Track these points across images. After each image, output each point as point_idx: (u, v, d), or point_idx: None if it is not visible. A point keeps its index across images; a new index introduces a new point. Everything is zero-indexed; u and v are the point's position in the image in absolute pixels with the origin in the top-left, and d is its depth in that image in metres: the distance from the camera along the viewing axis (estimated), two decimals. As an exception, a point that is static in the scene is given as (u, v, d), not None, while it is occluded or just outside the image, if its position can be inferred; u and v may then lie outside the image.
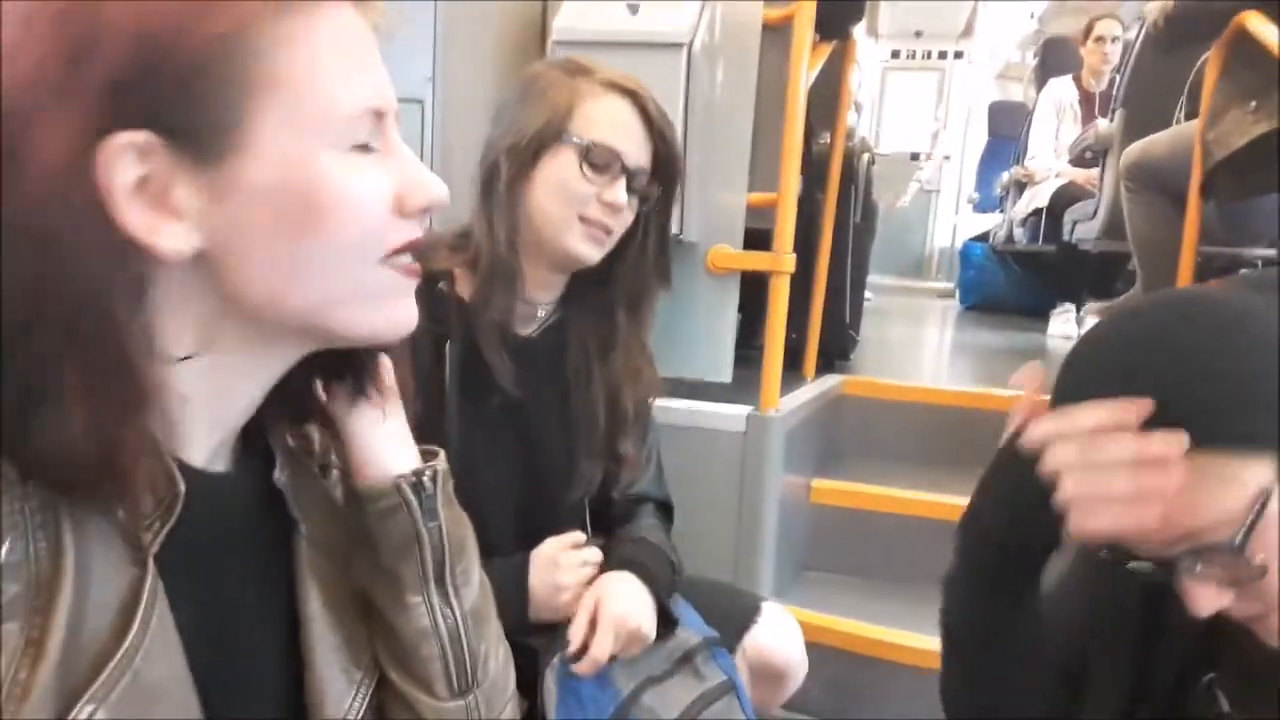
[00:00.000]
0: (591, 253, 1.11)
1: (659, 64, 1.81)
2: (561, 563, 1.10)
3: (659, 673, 1.09)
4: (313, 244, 0.53)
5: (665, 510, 1.31)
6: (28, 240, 0.46)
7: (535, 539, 1.18)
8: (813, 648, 1.35)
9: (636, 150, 1.10)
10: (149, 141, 0.48)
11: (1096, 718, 0.82)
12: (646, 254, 1.16)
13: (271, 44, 0.50)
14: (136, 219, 0.48)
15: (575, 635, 1.05)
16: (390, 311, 0.58)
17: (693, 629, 1.15)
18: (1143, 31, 3.34)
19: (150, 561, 0.51)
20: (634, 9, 1.85)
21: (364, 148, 0.54)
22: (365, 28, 0.55)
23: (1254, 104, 2.12)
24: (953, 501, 2.09)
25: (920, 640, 1.79)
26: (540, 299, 1.15)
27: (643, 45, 1.81)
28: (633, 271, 1.15)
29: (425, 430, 1.07)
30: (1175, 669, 0.78)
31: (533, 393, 1.14)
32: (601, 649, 1.05)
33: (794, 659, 1.27)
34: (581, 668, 1.04)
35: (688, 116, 1.83)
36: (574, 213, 1.08)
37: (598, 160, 1.08)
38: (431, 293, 1.10)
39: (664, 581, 1.15)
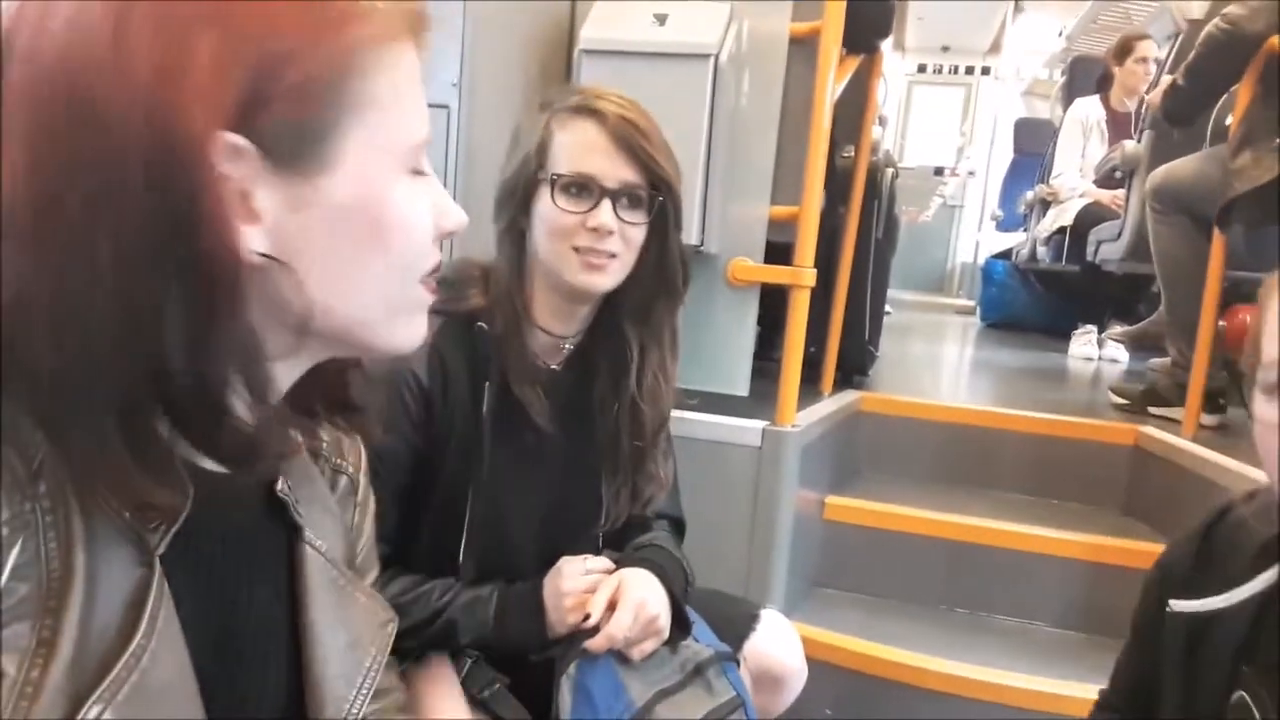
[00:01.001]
0: (597, 281, 1.10)
1: (685, 74, 1.81)
2: (565, 571, 1.11)
3: (671, 684, 1.09)
4: (375, 259, 0.55)
5: (678, 526, 1.31)
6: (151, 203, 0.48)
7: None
8: (824, 666, 1.34)
9: (614, 167, 1.08)
10: (245, 147, 0.49)
11: None
12: (647, 266, 1.13)
13: (370, 70, 0.53)
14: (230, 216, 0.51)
15: (594, 611, 1.06)
16: (416, 326, 0.61)
17: (704, 642, 1.15)
18: (1174, 52, 3.32)
19: (156, 562, 0.52)
20: (661, 19, 1.85)
21: (419, 173, 0.58)
22: (418, 64, 0.58)
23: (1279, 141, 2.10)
24: (968, 522, 2.07)
25: (932, 662, 1.78)
26: (563, 331, 1.15)
27: (669, 56, 1.81)
28: (634, 286, 1.13)
29: (462, 468, 1.10)
30: (1217, 693, 0.81)
31: (562, 425, 1.15)
32: (619, 625, 1.05)
33: (793, 666, 1.27)
34: (595, 644, 1.05)
35: (712, 127, 1.83)
36: (567, 246, 1.08)
37: (571, 190, 1.08)
38: (470, 332, 1.11)
39: (679, 585, 1.15)
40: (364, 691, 0.65)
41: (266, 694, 0.61)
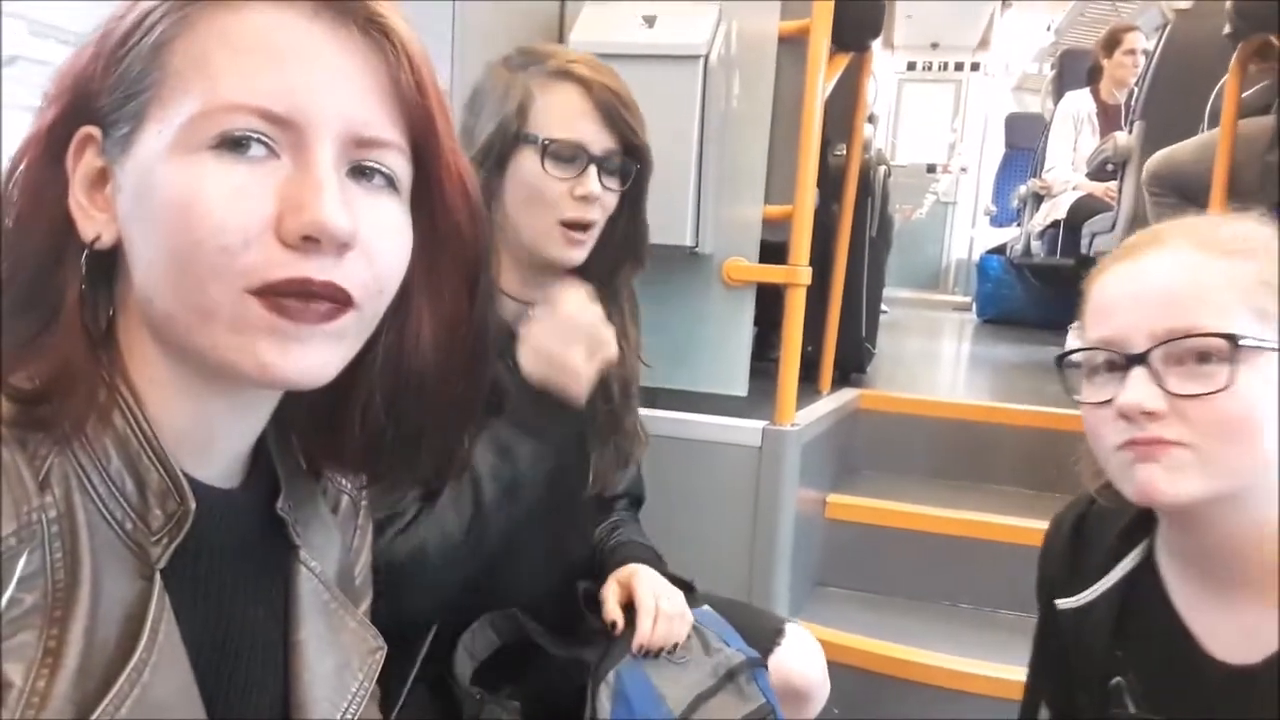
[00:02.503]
0: (574, 256, 1.09)
1: (675, 76, 1.81)
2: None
3: (706, 689, 1.08)
4: (170, 246, 0.49)
5: (637, 502, 1.32)
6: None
7: (561, 541, 1.18)
8: (829, 665, 1.33)
9: (598, 135, 1.07)
10: (91, 135, 0.52)
11: None
12: (615, 232, 1.13)
13: (171, 38, 0.51)
14: (76, 205, 0.53)
15: (617, 618, 1.07)
16: (262, 354, 0.50)
17: (734, 647, 1.14)
18: (1162, 43, 3.33)
19: (157, 575, 0.51)
20: (650, 20, 1.85)
21: (238, 151, 0.49)
22: (310, 33, 0.51)
23: None
24: (968, 517, 2.07)
25: (937, 658, 1.78)
26: (533, 297, 1.14)
27: (659, 57, 1.81)
28: (601, 251, 1.12)
29: None
30: (1101, 681, 0.85)
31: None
32: (647, 624, 1.06)
33: (817, 681, 1.26)
34: (655, 639, 1.05)
35: (704, 128, 1.82)
36: (553, 219, 1.07)
37: (561, 155, 1.06)
38: None
39: (664, 572, 1.18)
40: (348, 717, 0.64)
41: (262, 711, 0.61)
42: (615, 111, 1.07)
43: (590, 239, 1.10)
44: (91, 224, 0.52)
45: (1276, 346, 0.72)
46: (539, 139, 1.06)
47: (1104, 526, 0.90)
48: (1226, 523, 0.76)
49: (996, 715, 1.69)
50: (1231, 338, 0.72)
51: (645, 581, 1.11)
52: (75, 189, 0.53)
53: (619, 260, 1.15)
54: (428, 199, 0.56)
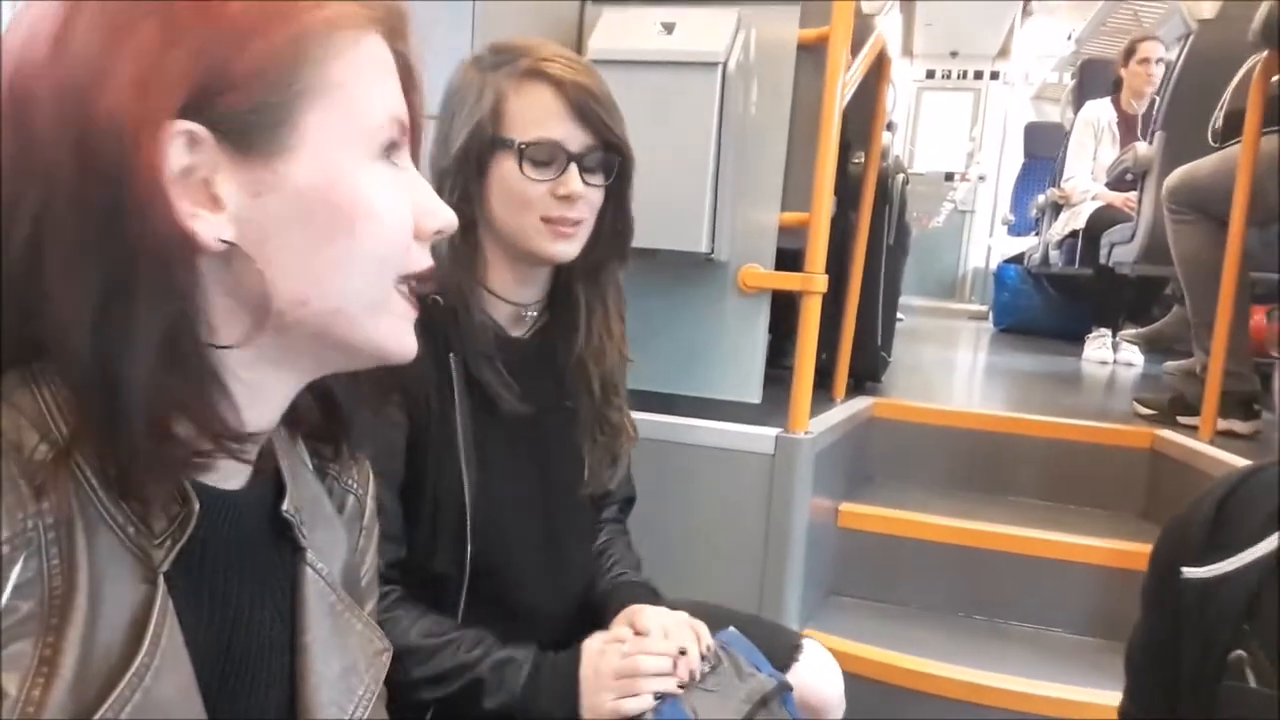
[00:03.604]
0: (565, 249, 1.08)
1: (694, 83, 1.81)
2: (607, 653, 1.06)
3: (743, 717, 1.06)
4: (340, 249, 0.54)
5: (628, 503, 1.33)
6: (91, 196, 0.48)
7: (558, 545, 1.18)
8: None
9: (574, 133, 1.06)
10: (200, 133, 0.50)
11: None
12: (602, 228, 1.12)
13: (324, 55, 0.53)
14: (178, 202, 0.50)
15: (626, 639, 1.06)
16: (401, 334, 0.59)
17: (762, 670, 1.12)
18: (1184, 53, 3.30)
19: (160, 579, 0.51)
20: (669, 27, 1.85)
21: (389, 158, 0.56)
22: (391, 60, 0.58)
23: None
24: (984, 528, 2.06)
25: (950, 669, 1.76)
26: (526, 298, 1.14)
27: (678, 64, 1.81)
28: (588, 249, 1.12)
29: (439, 447, 1.07)
30: (1223, 653, 0.84)
31: (535, 394, 1.13)
32: (683, 665, 1.05)
33: (834, 698, 1.25)
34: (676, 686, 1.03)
35: (721, 135, 1.82)
36: (535, 216, 1.06)
37: (538, 157, 1.05)
38: (423, 304, 1.08)
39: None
40: (355, 719, 0.64)
41: (267, 714, 0.61)
42: (589, 108, 1.06)
43: (580, 234, 1.09)
44: (207, 224, 0.51)
45: None
46: (514, 142, 1.05)
47: (1252, 504, 0.89)
48: None
49: (1009, 728, 1.68)
50: None
51: (650, 618, 1.09)
52: (171, 187, 0.50)
53: (604, 256, 1.15)
54: None
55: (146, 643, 0.49)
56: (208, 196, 0.51)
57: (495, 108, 1.06)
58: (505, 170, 1.06)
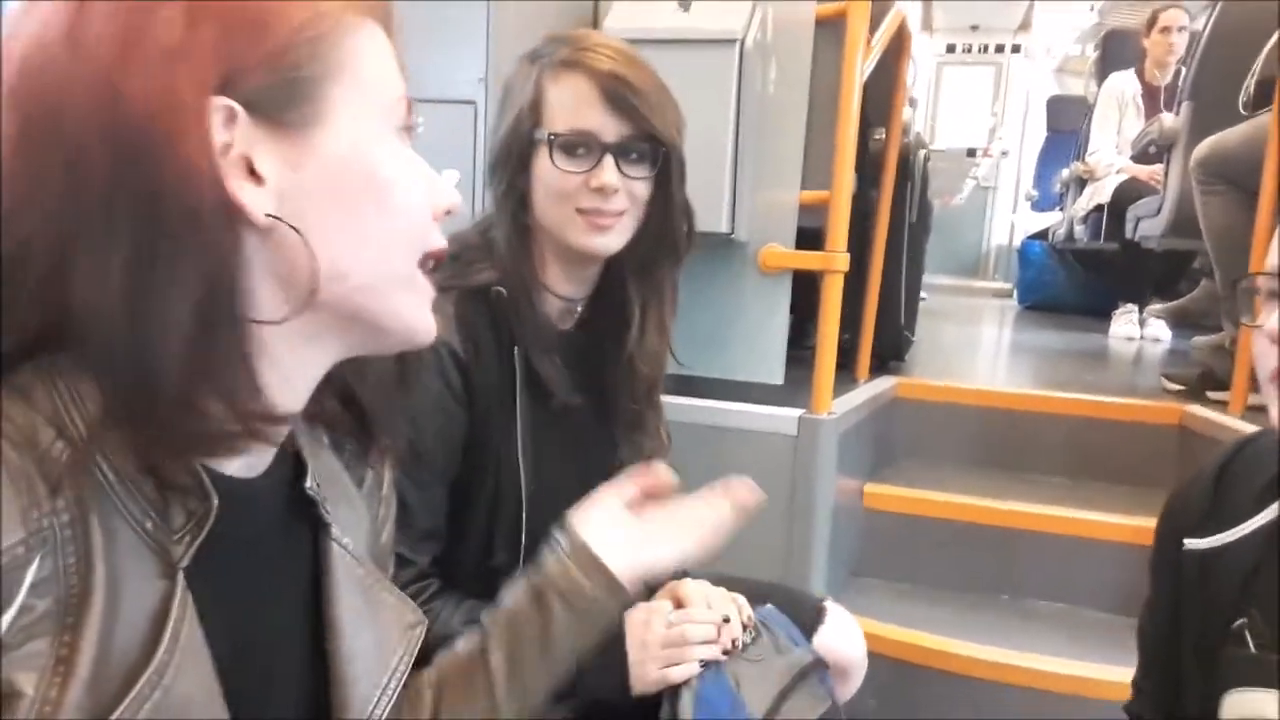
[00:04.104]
0: (604, 242, 1.07)
1: (711, 61, 1.79)
2: (652, 624, 1.06)
3: (785, 686, 1.07)
4: (373, 216, 0.55)
5: None
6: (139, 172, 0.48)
7: None
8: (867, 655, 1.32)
9: (609, 122, 1.04)
10: (234, 110, 0.50)
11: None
12: (650, 223, 1.10)
13: (340, 33, 0.54)
14: (227, 178, 0.51)
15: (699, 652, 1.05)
16: (425, 314, 0.60)
17: (801, 647, 1.13)
18: (1212, 21, 3.24)
19: (180, 575, 0.51)
20: (685, 6, 1.84)
21: (405, 138, 0.58)
22: (390, 47, 0.59)
23: None
24: (1008, 508, 2.04)
25: (976, 649, 1.76)
26: (574, 293, 1.14)
27: (695, 42, 1.79)
28: (636, 243, 1.10)
29: (499, 439, 1.08)
30: (1225, 623, 0.86)
31: (581, 387, 1.13)
32: (725, 634, 1.06)
33: (857, 658, 1.27)
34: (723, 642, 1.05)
35: (740, 113, 1.81)
36: (570, 208, 1.05)
37: (570, 147, 1.04)
38: (487, 301, 1.08)
39: None
40: (390, 692, 0.64)
41: (291, 697, 0.61)
42: (623, 98, 1.04)
43: (620, 227, 1.08)
44: (253, 198, 0.51)
45: None
46: (546, 134, 1.04)
47: (1250, 474, 0.91)
48: None
49: (1034, 706, 1.68)
50: None
51: (692, 588, 1.10)
52: (227, 163, 0.52)
53: (655, 252, 1.12)
54: None
55: (165, 640, 0.49)
56: (248, 172, 0.51)
57: (534, 100, 1.05)
58: (542, 163, 1.06)
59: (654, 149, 1.06)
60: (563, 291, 1.13)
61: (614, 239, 1.07)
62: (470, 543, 1.08)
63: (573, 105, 1.04)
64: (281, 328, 0.54)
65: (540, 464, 1.10)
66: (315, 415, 0.64)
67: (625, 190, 1.05)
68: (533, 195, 1.08)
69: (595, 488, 1.16)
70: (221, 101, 0.49)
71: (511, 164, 1.07)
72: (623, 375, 1.15)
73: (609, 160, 1.04)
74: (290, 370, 0.56)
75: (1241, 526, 0.87)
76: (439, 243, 0.59)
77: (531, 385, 1.09)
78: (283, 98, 0.52)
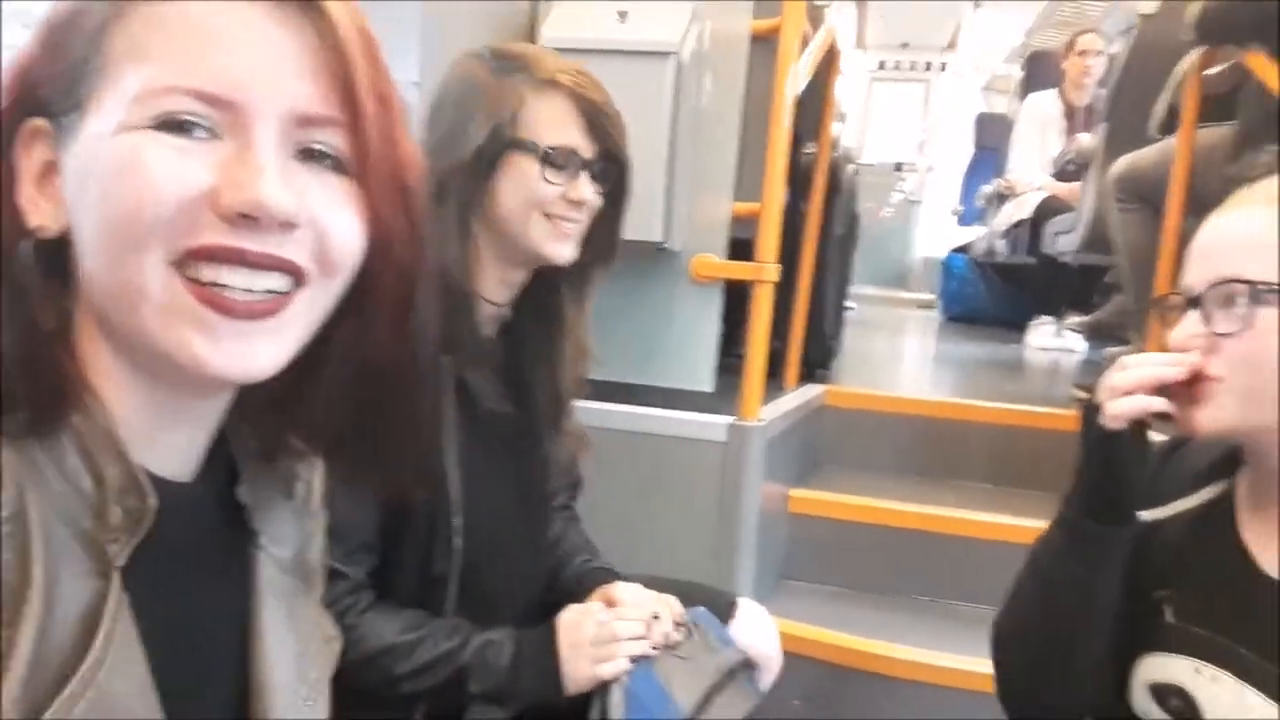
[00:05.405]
0: (564, 250, 1.11)
1: (647, 72, 1.81)
2: (583, 625, 1.09)
3: (713, 684, 1.11)
4: (108, 218, 0.50)
5: (576, 489, 1.36)
6: None
7: (534, 540, 1.22)
8: (792, 658, 1.35)
9: (587, 142, 1.11)
10: (44, 127, 0.51)
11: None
12: (598, 239, 1.16)
13: (108, 22, 0.51)
14: (26, 198, 0.52)
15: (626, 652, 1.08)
16: (192, 345, 0.50)
17: (730, 647, 1.17)
18: (1128, 46, 3.38)
19: (115, 574, 0.50)
20: (623, 15, 1.86)
21: (178, 130, 0.50)
22: (247, 14, 0.51)
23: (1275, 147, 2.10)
24: (932, 512, 2.10)
25: (900, 650, 1.80)
26: (504, 299, 1.16)
27: (632, 53, 1.81)
28: (584, 255, 1.15)
29: (436, 454, 1.07)
30: (1151, 595, 0.92)
31: (508, 394, 1.15)
32: (654, 632, 1.09)
33: (772, 651, 1.29)
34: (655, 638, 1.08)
35: (675, 125, 1.83)
36: (539, 213, 1.09)
37: (558, 162, 1.09)
38: None
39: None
40: (309, 703, 0.64)
41: (221, 702, 0.61)
42: (600, 120, 1.11)
43: (577, 236, 1.13)
44: (38, 214, 0.52)
45: None
46: (539, 146, 1.08)
47: (1194, 456, 0.97)
48: None
49: (957, 705, 1.72)
50: (1251, 284, 0.80)
51: (625, 590, 1.14)
52: (25, 182, 0.52)
53: (592, 264, 1.17)
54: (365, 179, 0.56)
55: (100, 638, 0.49)
56: (52, 188, 0.52)
57: (515, 112, 1.09)
58: (522, 170, 1.09)
59: (616, 168, 1.13)
60: (496, 298, 1.14)
61: (571, 248, 1.12)
62: (407, 554, 1.08)
63: (556, 122, 1.09)
64: (108, 362, 0.53)
65: (472, 473, 1.10)
66: (251, 425, 0.63)
67: (589, 204, 1.11)
68: (496, 198, 1.10)
69: (527, 493, 1.19)
70: (31, 123, 0.51)
71: (481, 168, 1.09)
72: (548, 380, 1.19)
73: (585, 176, 1.10)
74: (134, 416, 0.53)
75: (1175, 505, 0.93)
76: (215, 239, 0.50)
77: (460, 393, 1.10)
78: (60, 104, 0.51)
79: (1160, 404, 0.86)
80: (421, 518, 1.08)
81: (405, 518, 1.08)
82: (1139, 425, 0.88)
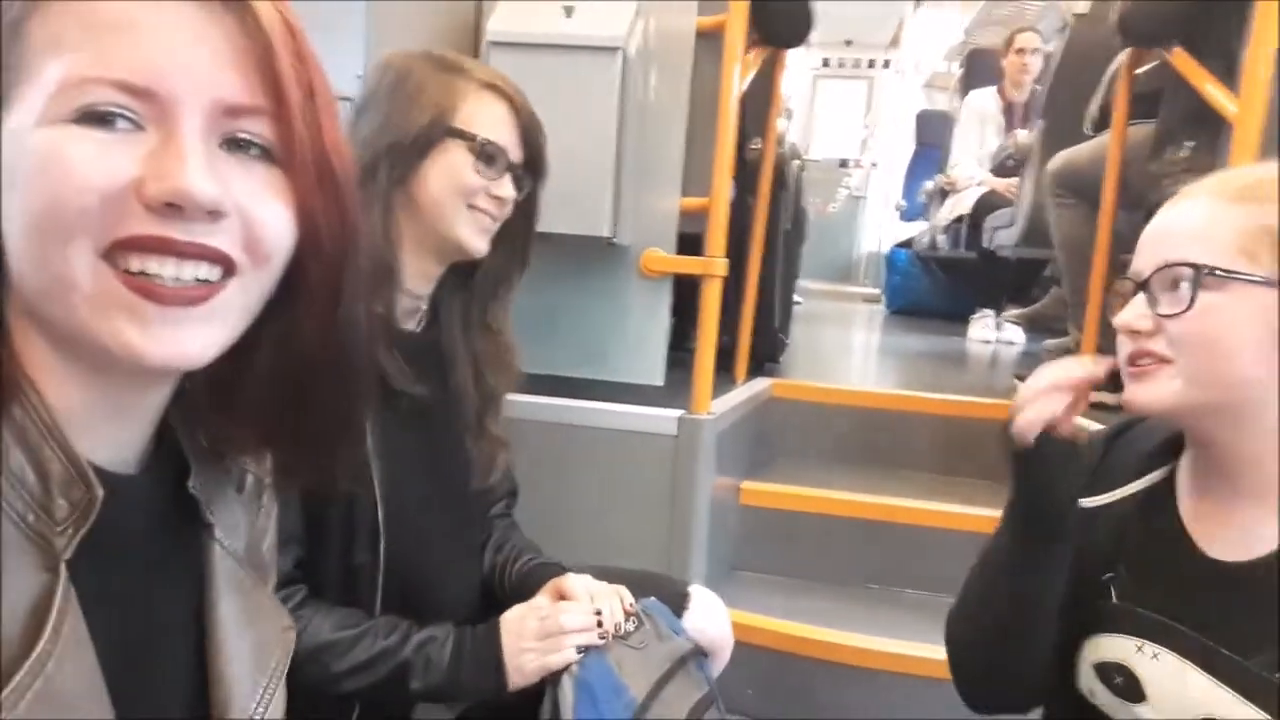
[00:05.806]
0: (480, 243, 1.15)
1: (594, 67, 1.82)
2: (526, 624, 1.09)
3: (664, 673, 1.11)
4: (32, 210, 0.49)
5: (513, 496, 1.37)
6: None
7: (461, 534, 1.23)
8: (744, 647, 1.37)
9: (514, 148, 1.15)
10: None
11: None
12: (515, 242, 1.21)
13: (27, 17, 0.50)
14: None
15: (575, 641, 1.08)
16: (123, 334, 0.50)
17: (681, 636, 1.18)
18: (1062, 45, 3.46)
19: (62, 567, 0.50)
20: (569, 11, 1.86)
21: (102, 125, 0.49)
22: (168, 4, 0.51)
23: (1191, 144, 2.16)
24: (879, 501, 2.14)
25: (849, 638, 1.83)
26: (422, 291, 1.17)
27: (578, 48, 1.81)
28: (502, 259, 1.20)
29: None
30: (1096, 579, 0.95)
31: (428, 388, 1.15)
32: (606, 619, 1.10)
33: (724, 637, 1.32)
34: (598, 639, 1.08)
35: (622, 120, 1.84)
36: (464, 203, 1.12)
37: (491, 156, 1.13)
38: None
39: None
40: (269, 693, 0.64)
41: (176, 696, 0.60)
42: (532, 132, 1.17)
43: (491, 234, 1.16)
44: None
45: (1253, 279, 0.82)
46: (477, 137, 1.11)
47: (1137, 442, 1.00)
48: (1226, 436, 0.87)
49: (905, 690, 1.76)
50: (1195, 266, 0.83)
51: (575, 581, 1.15)
52: None
53: (509, 264, 1.22)
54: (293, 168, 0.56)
55: (48, 631, 0.48)
56: None
57: (454, 104, 1.12)
58: (454, 158, 1.11)
59: (532, 181, 1.19)
60: (415, 288, 1.16)
61: (485, 243, 1.16)
62: (330, 545, 1.08)
63: (493, 122, 1.14)
64: (45, 356, 0.52)
65: (392, 464, 1.10)
66: (197, 419, 0.63)
67: (508, 204, 1.16)
68: (423, 184, 1.11)
69: (449, 485, 1.19)
70: None
71: (414, 152, 1.11)
72: (474, 380, 1.21)
73: (509, 177, 1.15)
74: (75, 409, 0.53)
75: (1121, 489, 0.97)
76: (147, 231, 0.50)
77: (380, 385, 1.09)
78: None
79: (1057, 405, 0.89)
80: (340, 508, 1.08)
81: (325, 507, 1.07)
82: (1065, 437, 0.91)
